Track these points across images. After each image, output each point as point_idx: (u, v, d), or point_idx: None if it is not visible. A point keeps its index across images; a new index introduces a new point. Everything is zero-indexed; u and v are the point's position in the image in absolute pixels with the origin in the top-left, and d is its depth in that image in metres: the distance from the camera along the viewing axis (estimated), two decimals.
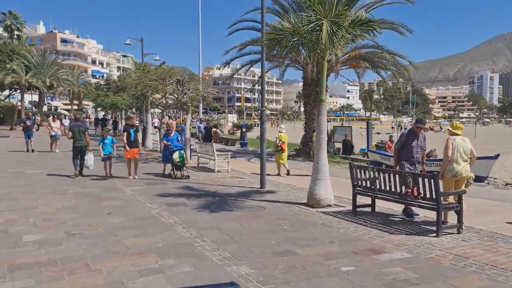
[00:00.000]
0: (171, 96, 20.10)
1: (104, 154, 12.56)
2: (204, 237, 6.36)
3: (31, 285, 4.54)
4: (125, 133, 12.40)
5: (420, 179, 6.96)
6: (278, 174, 13.55)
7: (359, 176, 8.28)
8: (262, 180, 11.20)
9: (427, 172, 8.04)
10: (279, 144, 13.42)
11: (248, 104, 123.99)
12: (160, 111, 23.58)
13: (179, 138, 13.62)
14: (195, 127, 28.61)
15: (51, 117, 26.16)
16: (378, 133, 50.01)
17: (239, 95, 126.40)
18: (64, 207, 8.30)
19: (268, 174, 11.78)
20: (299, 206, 8.92)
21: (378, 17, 13.28)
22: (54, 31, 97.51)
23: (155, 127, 29.26)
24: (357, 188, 8.28)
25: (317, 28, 8.16)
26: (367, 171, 8.17)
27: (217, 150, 15.19)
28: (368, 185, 8.08)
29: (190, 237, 6.38)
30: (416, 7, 18.14)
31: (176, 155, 12.38)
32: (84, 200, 9.08)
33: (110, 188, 10.58)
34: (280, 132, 14.02)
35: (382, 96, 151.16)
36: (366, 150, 21.06)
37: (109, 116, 41.61)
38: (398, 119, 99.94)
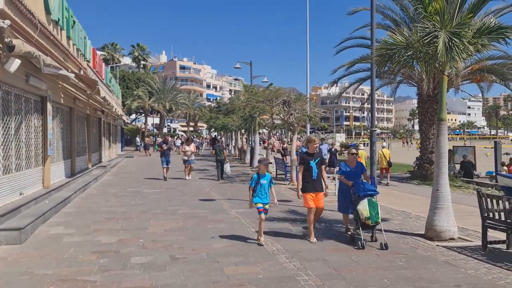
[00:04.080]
0: (278, 117, 20.17)
1: (255, 204, 7.28)
2: (308, 270, 5.88)
3: None
4: (302, 167, 7.64)
5: None
6: None
7: (490, 207, 7.09)
8: None
9: None
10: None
11: (357, 123, 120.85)
12: (267, 131, 23.80)
13: (367, 174, 8.36)
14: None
15: (176, 138, 28.07)
16: (507, 154, 44.42)
17: (347, 114, 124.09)
18: (171, 228, 8.49)
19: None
20: (416, 238, 7.95)
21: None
22: (174, 59, 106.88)
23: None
24: (488, 221, 7.08)
25: (434, 40, 7.34)
26: (500, 201, 6.94)
27: None
28: (503, 218, 6.85)
29: (293, 269, 5.94)
30: None
31: (364, 206, 7.20)
32: (191, 221, 9.22)
33: (217, 210, 10.67)
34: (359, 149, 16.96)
35: (511, 112, 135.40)
36: (494, 173, 18.63)
37: (219, 137, 43.74)
38: None
